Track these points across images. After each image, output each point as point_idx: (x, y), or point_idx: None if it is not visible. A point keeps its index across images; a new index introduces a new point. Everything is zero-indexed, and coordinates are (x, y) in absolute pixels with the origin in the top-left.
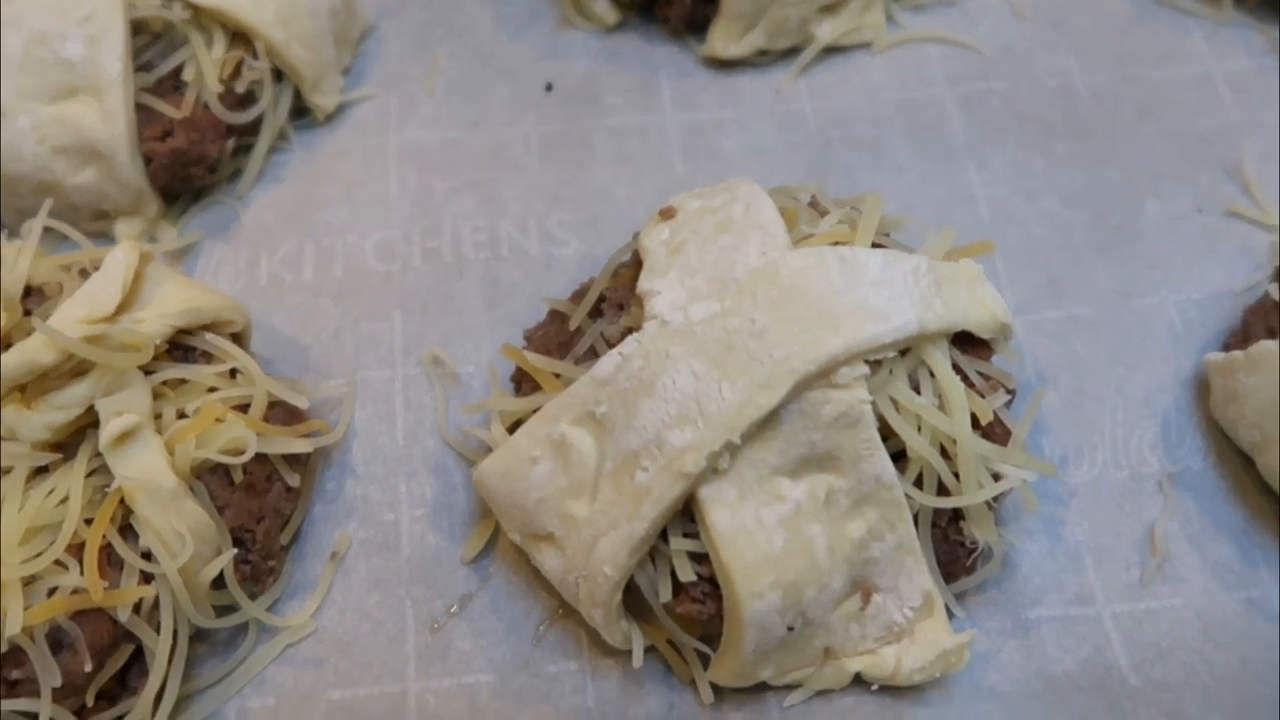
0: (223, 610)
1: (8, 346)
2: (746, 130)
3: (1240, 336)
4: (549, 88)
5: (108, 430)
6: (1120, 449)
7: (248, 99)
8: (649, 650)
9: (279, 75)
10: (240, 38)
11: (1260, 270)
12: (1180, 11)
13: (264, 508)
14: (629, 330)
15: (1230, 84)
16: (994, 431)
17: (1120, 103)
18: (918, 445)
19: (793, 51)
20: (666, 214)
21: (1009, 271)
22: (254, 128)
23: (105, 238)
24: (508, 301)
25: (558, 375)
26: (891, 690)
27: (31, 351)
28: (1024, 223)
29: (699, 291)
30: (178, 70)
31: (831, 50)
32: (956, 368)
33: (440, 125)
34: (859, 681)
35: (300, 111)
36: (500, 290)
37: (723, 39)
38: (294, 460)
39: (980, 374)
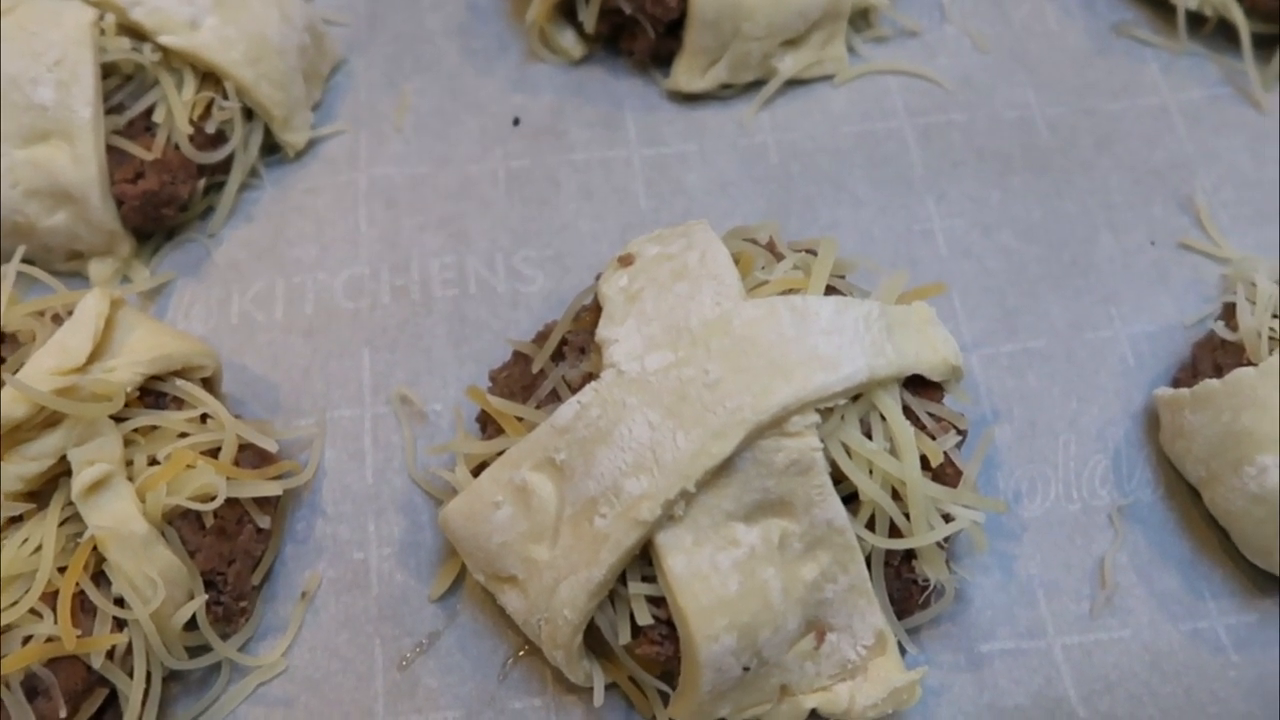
0: (196, 651)
1: None
2: (710, 164)
3: (1189, 371)
4: (516, 122)
5: (80, 480)
6: (1072, 482)
7: (218, 138)
8: (612, 686)
9: (249, 114)
10: (210, 78)
11: (1210, 303)
12: (1138, 43)
13: (235, 550)
14: (590, 375)
15: (1185, 115)
16: (945, 472)
17: (1077, 135)
18: (869, 490)
19: (756, 84)
20: (625, 261)
21: (965, 306)
22: (225, 166)
23: (79, 278)
24: (475, 339)
25: (520, 419)
26: None
27: (4, 406)
28: (980, 256)
29: (655, 340)
30: (149, 111)
31: (794, 83)
32: (908, 410)
33: (409, 161)
34: (814, 718)
35: (271, 148)
36: (467, 328)
37: (686, 74)
38: (264, 502)
39: (931, 415)
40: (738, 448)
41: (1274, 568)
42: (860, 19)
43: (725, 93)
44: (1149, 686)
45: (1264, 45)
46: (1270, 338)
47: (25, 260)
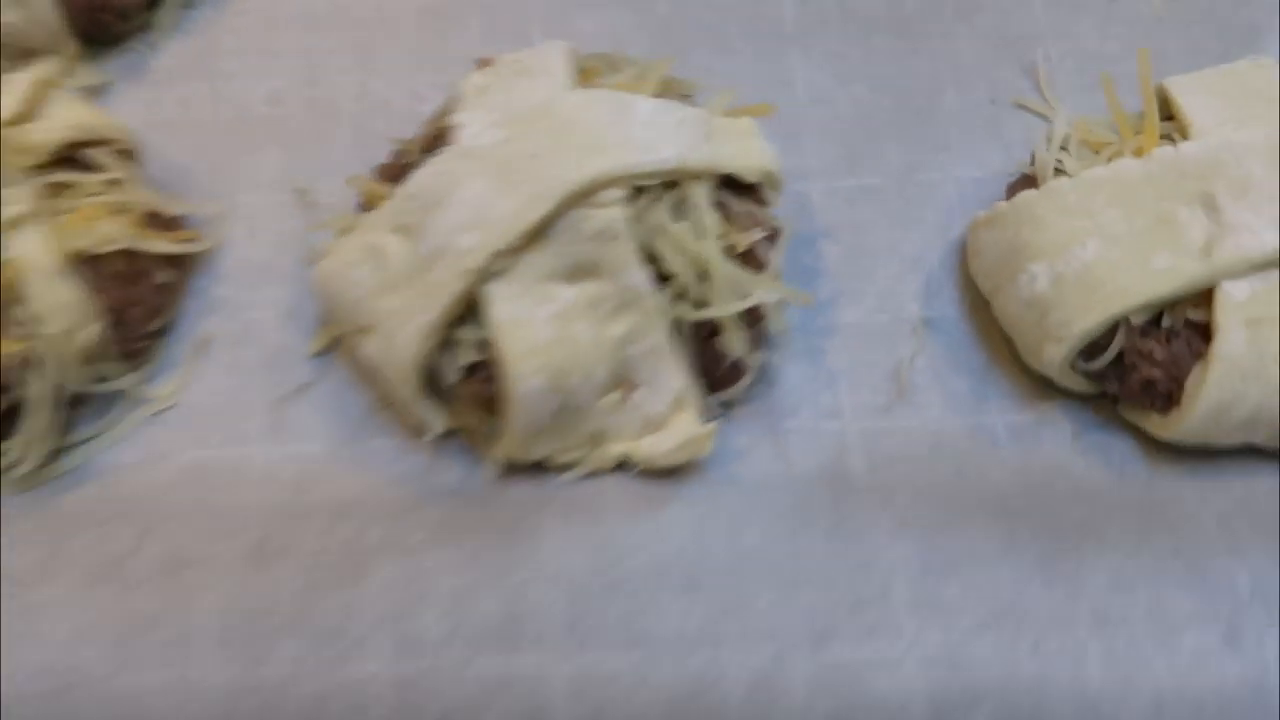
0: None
1: None
2: (604, 10)
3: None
4: None
5: (2, 214)
6: (886, 297)
7: None
8: (453, 433)
9: None
10: None
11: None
12: None
13: (135, 296)
14: None
15: None
16: (751, 259)
17: (941, 5)
18: (673, 263)
19: None
20: (484, 63)
21: (814, 145)
22: None
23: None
24: (373, 147)
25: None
26: (651, 473)
27: None
28: (833, 104)
29: (493, 124)
30: None
31: None
32: (723, 206)
33: None
34: (623, 466)
35: None
36: (367, 137)
37: None
38: (172, 262)
39: (746, 213)
40: (552, 210)
41: (1045, 368)
42: None
43: None
44: (926, 464)
45: None
46: (1059, 171)
47: None
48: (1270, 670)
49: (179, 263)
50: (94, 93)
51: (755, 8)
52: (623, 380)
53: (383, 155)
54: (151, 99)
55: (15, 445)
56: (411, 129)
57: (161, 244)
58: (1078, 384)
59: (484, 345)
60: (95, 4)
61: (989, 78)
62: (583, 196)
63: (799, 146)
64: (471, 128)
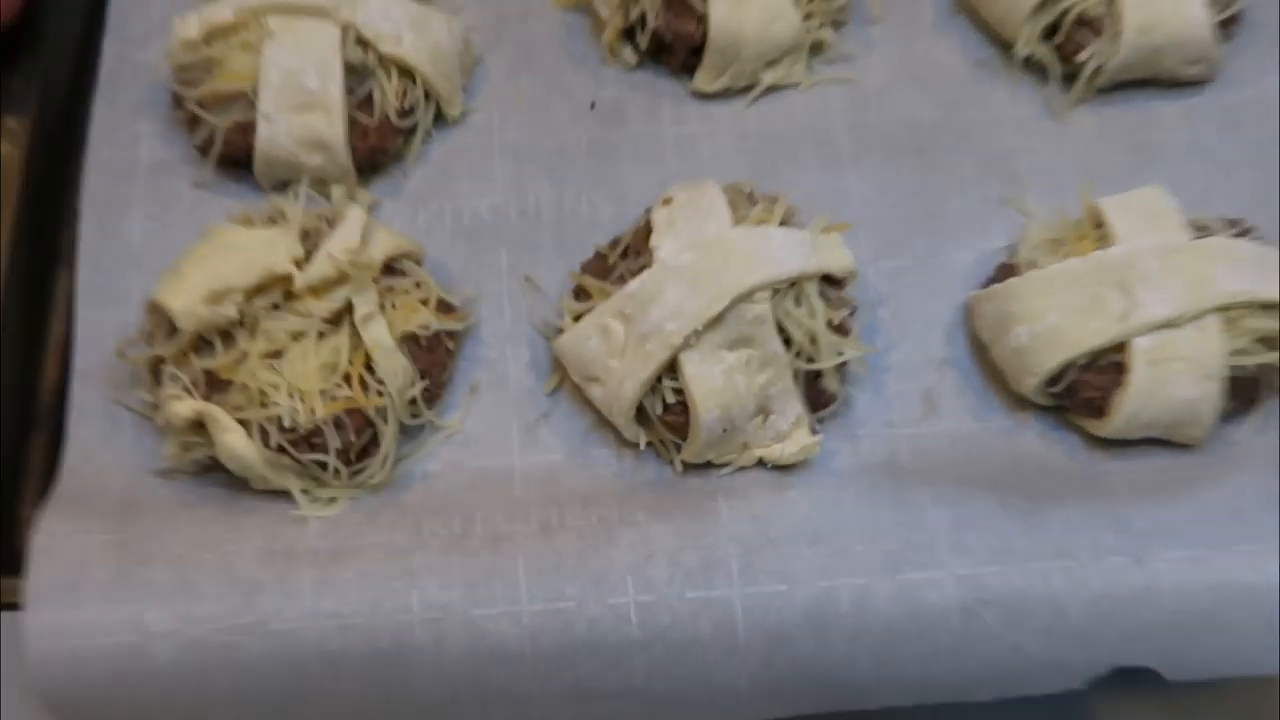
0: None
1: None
2: (716, 140)
3: (990, 281)
4: (593, 106)
5: (358, 313)
6: (919, 344)
7: (410, 111)
8: (649, 445)
9: (427, 95)
10: (406, 72)
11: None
12: (992, 73)
13: (436, 360)
14: (643, 267)
15: (1019, 124)
16: (842, 328)
17: (948, 133)
18: (796, 335)
19: (748, 89)
20: (666, 201)
21: (867, 238)
22: (414, 129)
23: (324, 197)
24: (572, 246)
25: (602, 290)
26: (778, 468)
27: (322, 268)
28: (876, 207)
29: (683, 248)
30: (369, 94)
31: (772, 89)
32: (823, 293)
33: (525, 130)
34: (760, 464)
35: (439, 118)
36: (566, 238)
37: (703, 80)
38: (452, 334)
39: (837, 297)
40: (725, 307)
41: (1025, 392)
42: (816, 48)
43: (728, 93)
44: (948, 456)
45: (1069, 79)
46: (1031, 264)
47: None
48: (1162, 578)
49: (457, 334)
50: (371, 210)
51: (820, 136)
52: (763, 409)
53: (576, 252)
54: (410, 214)
55: (373, 464)
56: (596, 234)
57: (450, 323)
58: (1046, 400)
59: (678, 392)
60: (376, 148)
61: (983, 186)
62: (744, 298)
63: (857, 240)
64: (665, 249)
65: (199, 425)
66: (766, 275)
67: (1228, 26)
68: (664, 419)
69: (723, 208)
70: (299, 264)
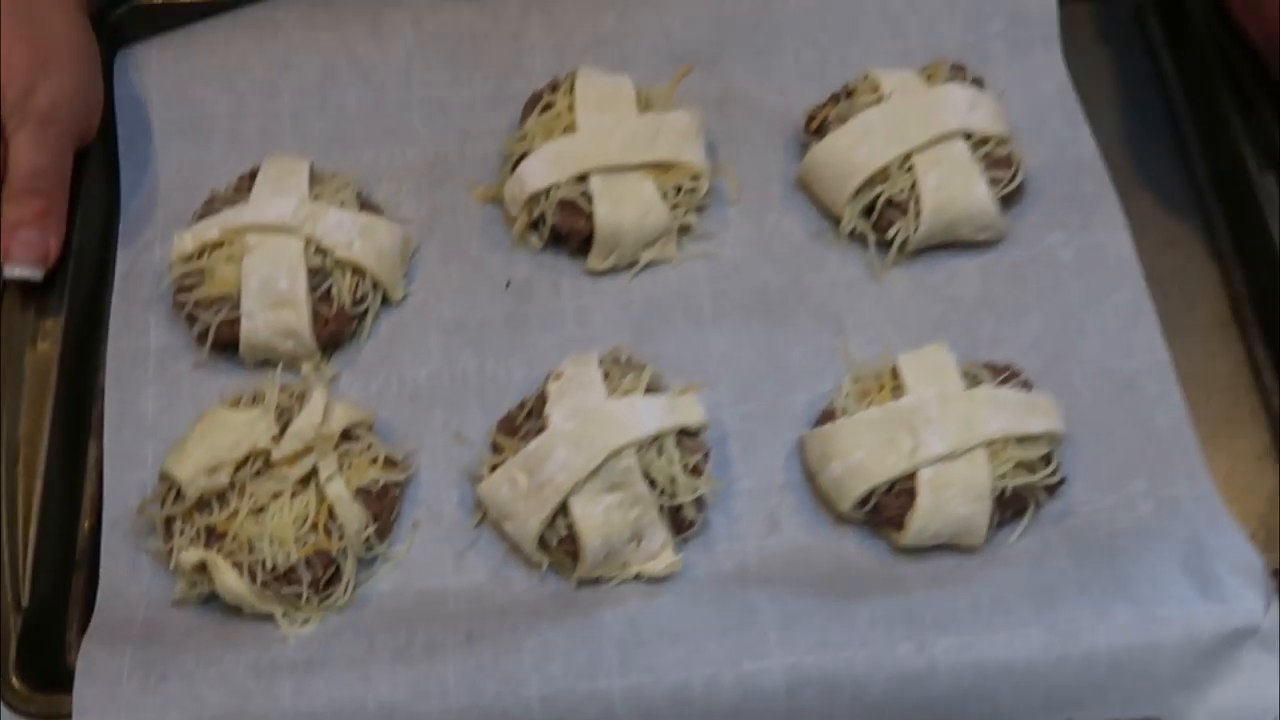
0: (370, 553)
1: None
2: (605, 310)
3: (817, 422)
4: (508, 285)
5: (323, 475)
6: (763, 472)
7: (362, 300)
8: (551, 566)
9: (375, 285)
10: (357, 270)
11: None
12: (826, 243)
13: (385, 506)
14: (542, 429)
15: (846, 284)
16: (696, 469)
17: (791, 295)
18: (659, 478)
19: (631, 265)
20: (557, 376)
21: (725, 388)
22: (365, 313)
23: (296, 370)
24: (493, 406)
25: (513, 448)
26: (651, 581)
27: (292, 443)
28: (732, 362)
29: (568, 417)
30: (329, 289)
31: (650, 264)
32: (680, 443)
33: (453, 305)
34: (637, 577)
35: (386, 301)
36: (488, 400)
37: (594, 261)
38: (397, 483)
39: (692, 444)
40: (601, 462)
41: (843, 511)
42: (684, 229)
43: (614, 270)
44: (786, 562)
45: (885, 246)
46: (845, 411)
47: (263, 365)
48: (939, 660)
49: (401, 482)
50: (332, 382)
51: (688, 302)
52: (636, 536)
53: (495, 409)
54: (364, 382)
55: (337, 591)
56: (509, 391)
57: (395, 475)
58: (860, 517)
59: (570, 527)
60: (335, 332)
61: (818, 339)
62: (615, 454)
63: (717, 388)
64: (556, 416)
65: (202, 567)
66: (631, 436)
67: (1012, 197)
68: (560, 548)
69: (599, 382)
70: (275, 439)
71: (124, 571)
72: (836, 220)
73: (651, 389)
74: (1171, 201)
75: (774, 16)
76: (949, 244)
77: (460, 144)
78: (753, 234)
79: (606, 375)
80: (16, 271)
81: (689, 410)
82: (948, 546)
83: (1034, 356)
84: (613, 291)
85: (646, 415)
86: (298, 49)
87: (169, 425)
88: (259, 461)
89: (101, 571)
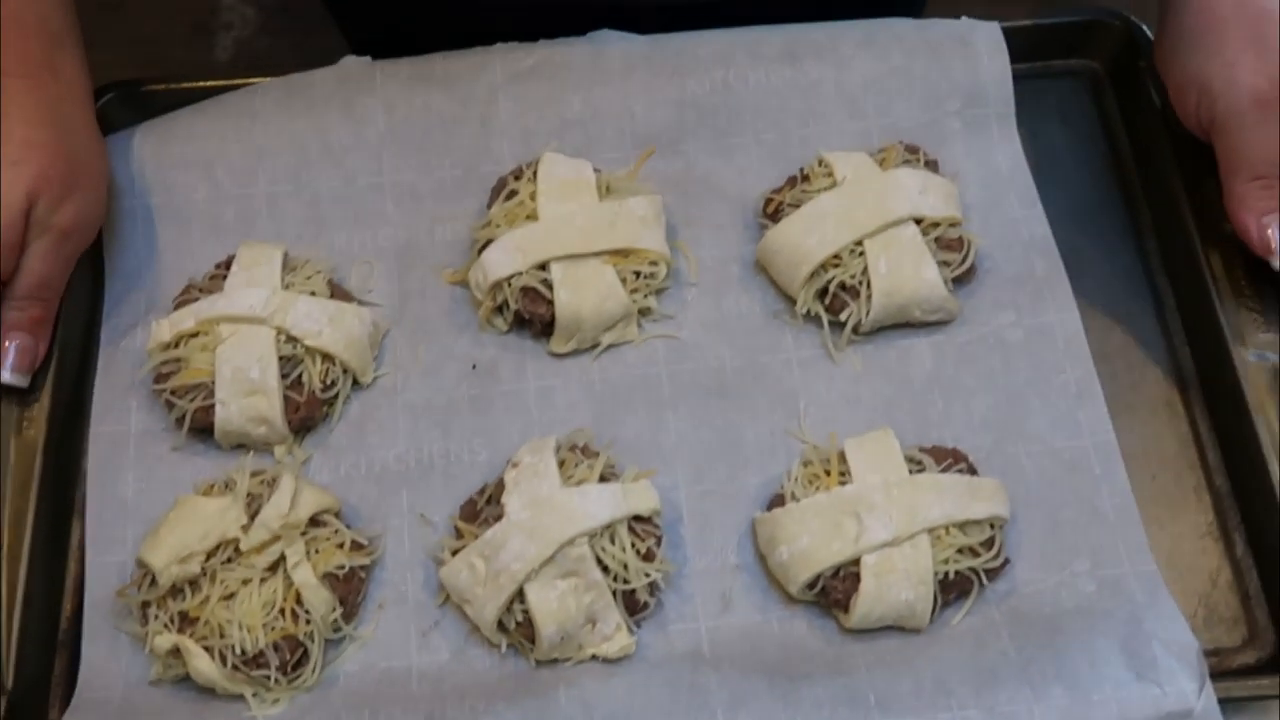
0: (337, 634)
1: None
2: (568, 392)
3: (768, 505)
4: (474, 367)
5: (290, 561)
6: (716, 553)
7: (332, 385)
8: (510, 646)
9: (345, 370)
10: (327, 356)
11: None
12: (782, 323)
13: (351, 589)
14: (500, 516)
15: (802, 364)
16: (649, 555)
17: (747, 375)
18: (611, 564)
19: (593, 347)
20: (515, 465)
21: (681, 467)
22: (335, 397)
23: (269, 451)
24: (457, 487)
25: (472, 532)
26: (606, 661)
27: (260, 533)
28: (689, 443)
29: (524, 505)
30: (299, 376)
31: (611, 347)
32: (632, 528)
33: (422, 390)
34: (594, 658)
35: (356, 383)
36: (452, 481)
37: (557, 344)
38: (363, 566)
39: (644, 529)
40: (555, 551)
41: (793, 592)
42: (644, 311)
43: (576, 352)
44: (738, 643)
45: (838, 326)
46: (793, 497)
47: (239, 449)
48: None
49: (367, 565)
50: (304, 464)
51: (647, 384)
52: (590, 619)
53: (460, 490)
54: (334, 464)
55: (305, 672)
56: (473, 472)
57: (360, 559)
58: (809, 598)
59: (526, 612)
60: (306, 417)
61: (771, 419)
62: (568, 544)
63: (673, 468)
64: (512, 505)
65: (176, 651)
66: (584, 527)
67: (964, 278)
68: (518, 631)
69: (554, 471)
70: (245, 528)
71: (104, 651)
72: (793, 300)
73: (605, 476)
74: (1122, 278)
75: (735, 99)
76: (902, 324)
77: (430, 227)
78: (711, 315)
79: (562, 463)
80: (8, 378)
81: (641, 498)
82: (893, 627)
83: (983, 435)
84: (575, 373)
85: (598, 505)
86: (273, 135)
87: (148, 507)
88: (229, 549)
89: (83, 652)
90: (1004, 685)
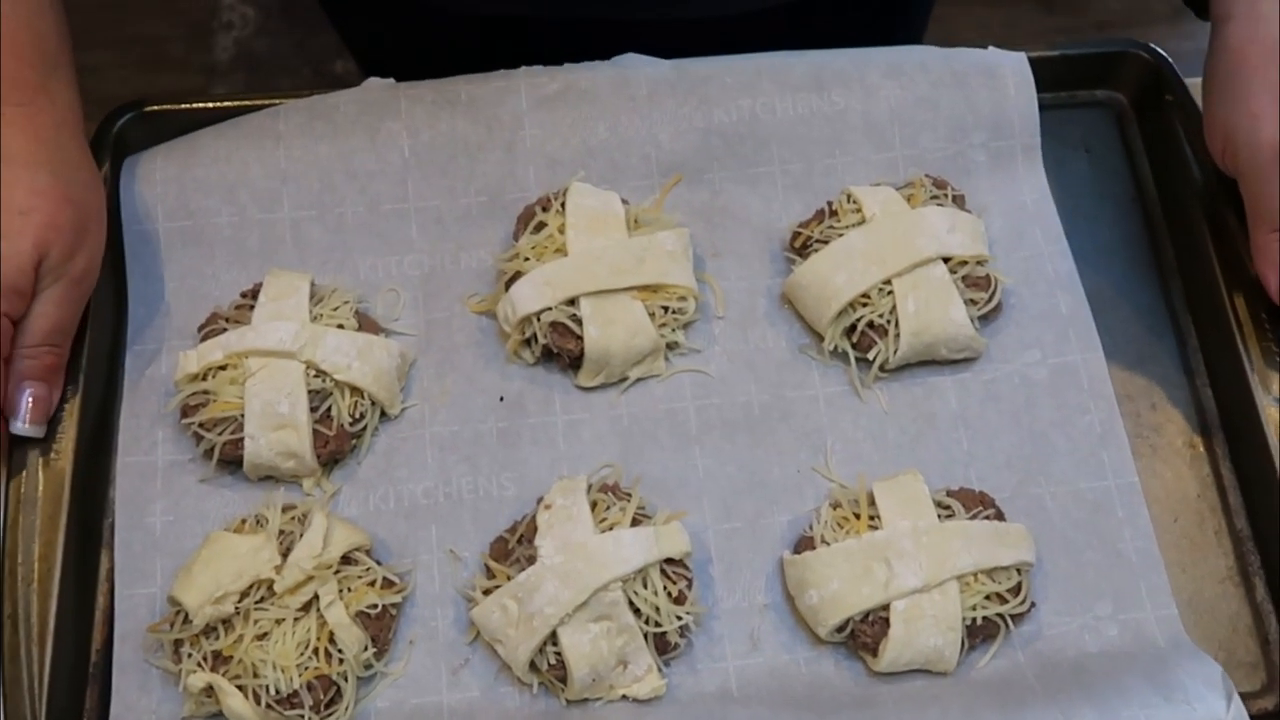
0: (369, 672)
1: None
2: (595, 426)
3: (796, 547)
4: (501, 399)
5: (323, 601)
6: (746, 593)
7: (360, 418)
8: (541, 684)
9: (373, 403)
10: (356, 389)
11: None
12: (809, 358)
13: (383, 626)
14: (532, 557)
15: (829, 401)
16: (679, 598)
17: (773, 411)
18: (644, 608)
19: (621, 381)
20: (547, 506)
21: (709, 504)
22: (364, 430)
23: (298, 484)
24: (486, 522)
25: (505, 572)
26: (637, 701)
27: (294, 574)
28: (717, 479)
29: (557, 550)
30: (329, 410)
31: (638, 380)
32: (664, 570)
33: (449, 421)
34: (625, 698)
35: (384, 415)
36: (481, 515)
37: (584, 378)
38: (394, 603)
39: (675, 572)
40: (589, 597)
41: (822, 634)
42: (671, 346)
43: (604, 386)
44: (766, 683)
45: (866, 363)
46: (823, 540)
47: (267, 481)
48: None
49: (399, 602)
50: (333, 497)
51: (675, 418)
52: (621, 661)
53: (489, 525)
54: (363, 497)
55: (338, 710)
56: (501, 507)
57: (391, 597)
58: (837, 640)
59: (559, 654)
60: (335, 451)
61: (798, 456)
62: (601, 589)
63: (700, 506)
64: (545, 549)
65: (210, 690)
66: (617, 572)
67: (989, 315)
68: (550, 671)
69: (587, 515)
70: (278, 569)
71: (135, 686)
72: (820, 336)
73: (637, 518)
74: (1145, 316)
75: (760, 128)
76: (928, 362)
77: (455, 254)
78: (738, 349)
79: (594, 504)
80: (24, 429)
81: (673, 541)
82: (920, 670)
83: (1007, 475)
84: (602, 406)
85: (631, 550)
86: (297, 160)
87: (176, 539)
88: (262, 589)
89: (114, 686)
90: (1032, 708)
